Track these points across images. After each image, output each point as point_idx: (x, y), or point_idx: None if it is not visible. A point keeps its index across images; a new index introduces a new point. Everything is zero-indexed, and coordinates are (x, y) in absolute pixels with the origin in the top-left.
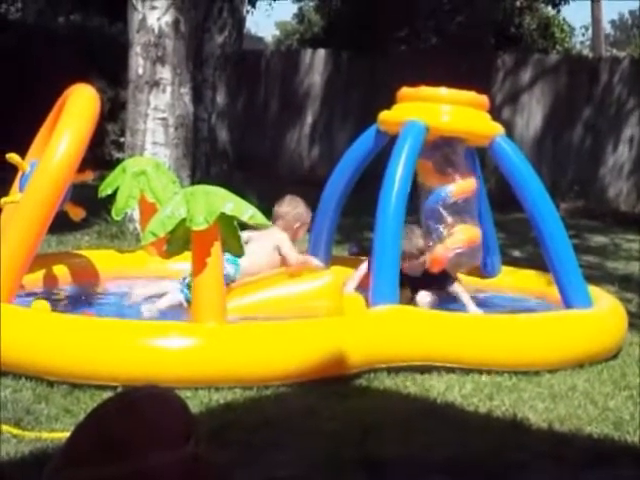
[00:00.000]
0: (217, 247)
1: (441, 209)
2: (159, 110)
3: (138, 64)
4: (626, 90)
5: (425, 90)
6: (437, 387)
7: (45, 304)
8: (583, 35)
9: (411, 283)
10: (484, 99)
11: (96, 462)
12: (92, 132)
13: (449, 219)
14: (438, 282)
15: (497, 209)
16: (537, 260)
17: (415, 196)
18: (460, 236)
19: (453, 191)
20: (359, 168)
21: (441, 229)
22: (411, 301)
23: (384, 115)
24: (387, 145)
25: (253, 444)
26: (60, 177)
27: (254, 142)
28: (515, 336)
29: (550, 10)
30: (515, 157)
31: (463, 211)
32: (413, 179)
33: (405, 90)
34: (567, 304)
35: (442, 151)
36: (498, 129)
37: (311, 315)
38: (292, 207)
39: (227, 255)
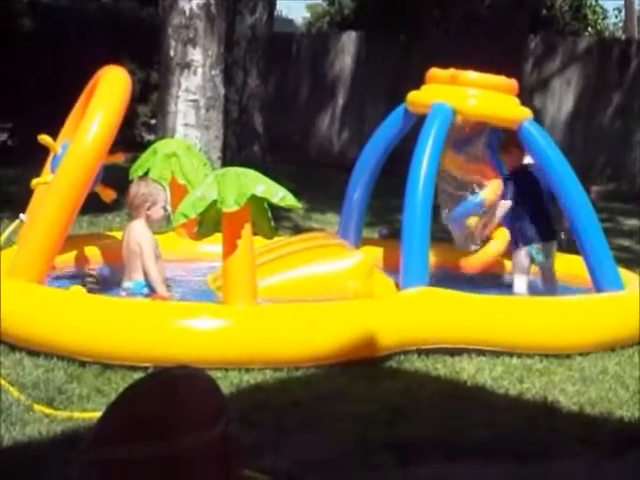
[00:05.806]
0: (248, 229)
1: (472, 217)
2: (190, 92)
3: (169, 46)
4: None
5: (453, 73)
6: (467, 369)
7: (81, 290)
8: (616, 17)
9: None
10: (512, 83)
11: (128, 442)
12: (123, 114)
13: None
14: None
15: None
16: (563, 244)
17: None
18: (495, 245)
19: (485, 200)
20: (388, 148)
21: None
22: None
23: (412, 96)
24: (415, 127)
25: (283, 425)
26: (91, 159)
27: (284, 125)
28: (546, 319)
29: None
30: (543, 142)
31: (490, 212)
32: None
33: (434, 71)
34: (598, 288)
35: (474, 146)
36: (526, 113)
37: (340, 295)
38: (135, 190)
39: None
